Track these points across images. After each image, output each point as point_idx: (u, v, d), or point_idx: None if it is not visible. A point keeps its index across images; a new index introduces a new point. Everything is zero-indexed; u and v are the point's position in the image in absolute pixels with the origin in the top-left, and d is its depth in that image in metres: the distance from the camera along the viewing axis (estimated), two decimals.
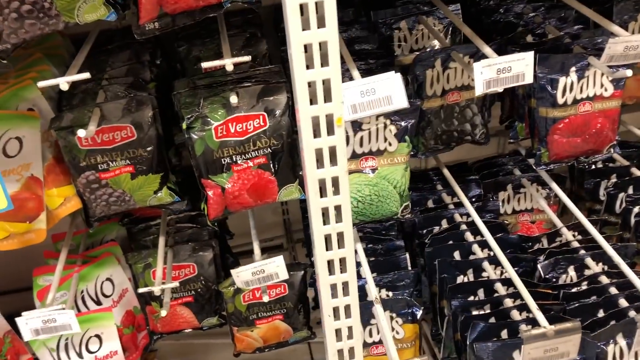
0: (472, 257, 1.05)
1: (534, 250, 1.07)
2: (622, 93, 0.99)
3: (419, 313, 0.98)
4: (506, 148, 1.39)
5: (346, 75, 0.93)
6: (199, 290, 1.15)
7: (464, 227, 1.11)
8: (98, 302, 1.11)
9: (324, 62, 0.60)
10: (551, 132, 1.00)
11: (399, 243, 1.09)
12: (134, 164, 0.91)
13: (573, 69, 0.96)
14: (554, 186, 1.13)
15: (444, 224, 1.14)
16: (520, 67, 0.83)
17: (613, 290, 0.95)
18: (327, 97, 0.61)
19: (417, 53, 1.00)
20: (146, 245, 1.18)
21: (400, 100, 0.80)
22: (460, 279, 1.03)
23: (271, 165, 0.88)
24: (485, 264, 1.02)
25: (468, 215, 1.13)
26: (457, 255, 1.06)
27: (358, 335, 0.76)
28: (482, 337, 0.89)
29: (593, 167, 1.25)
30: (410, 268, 1.04)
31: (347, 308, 0.74)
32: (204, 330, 1.20)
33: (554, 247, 1.07)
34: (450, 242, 1.08)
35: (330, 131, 0.62)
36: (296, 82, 0.58)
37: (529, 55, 0.82)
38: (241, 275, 0.92)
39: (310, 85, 0.58)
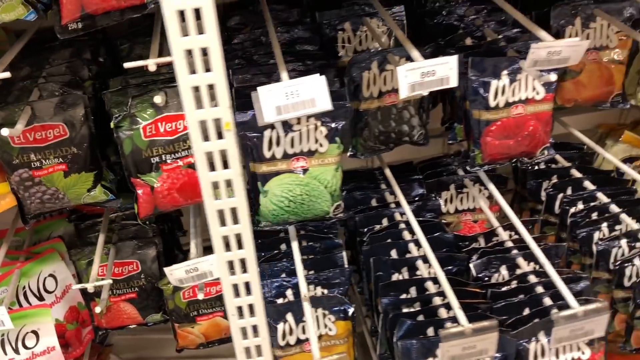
0: (408, 256, 1.07)
1: (470, 250, 1.09)
2: (554, 96, 1.01)
3: (351, 310, 1.00)
4: (452, 148, 1.41)
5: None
6: (142, 286, 1.16)
7: (402, 225, 1.12)
8: (40, 298, 1.12)
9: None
10: (484, 134, 1.01)
11: (337, 241, 1.10)
12: (67, 162, 0.92)
13: (505, 72, 0.98)
14: (491, 187, 1.15)
15: (385, 222, 1.15)
16: (444, 70, 0.85)
17: (539, 289, 0.97)
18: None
19: (354, 55, 1.02)
20: (91, 242, 1.19)
21: (324, 102, 0.82)
22: (395, 277, 1.05)
23: None
24: (419, 263, 1.04)
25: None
26: (394, 253, 1.08)
27: (264, 334, 0.77)
28: (408, 334, 0.91)
29: (536, 168, 1.27)
30: (347, 266, 1.06)
31: (251, 307, 0.76)
32: (148, 326, 1.21)
33: (489, 246, 1.09)
34: (389, 240, 1.10)
35: (221, 135, 0.63)
36: (181, 87, 0.59)
37: (453, 59, 0.84)
38: (174, 273, 0.93)
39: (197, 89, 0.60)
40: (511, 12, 0.97)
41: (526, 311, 0.95)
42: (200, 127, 0.61)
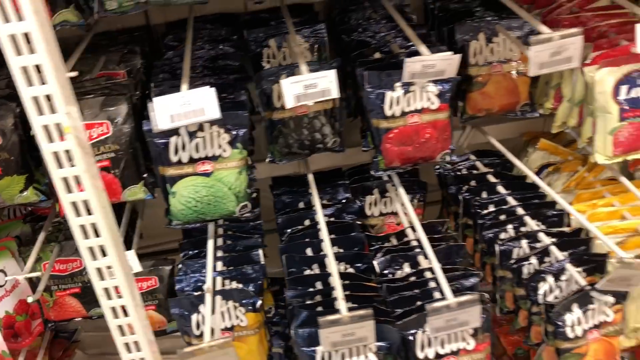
0: (322, 254, 1.15)
1: (378, 248, 1.17)
2: (448, 106, 1.09)
3: (259, 302, 1.08)
4: None
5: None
6: (86, 282, 1.26)
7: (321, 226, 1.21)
8: None
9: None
10: (384, 141, 1.10)
11: (257, 241, 1.19)
12: (1, 166, 1.03)
13: (398, 84, 1.06)
14: (400, 191, 1.23)
15: (307, 223, 1.24)
16: (325, 83, 0.94)
17: (432, 284, 1.05)
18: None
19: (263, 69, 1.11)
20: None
21: (212, 111, 0.92)
22: (307, 273, 1.13)
23: (115, 168, 1.00)
24: (328, 260, 1.12)
25: (329, 216, 1.24)
26: (309, 251, 1.16)
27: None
28: (303, 324, 1.00)
29: (457, 173, 1.35)
30: (262, 262, 1.15)
31: (124, 308, 0.87)
32: (93, 319, 1.32)
33: (395, 245, 1.17)
34: (307, 239, 1.18)
35: (63, 137, 0.74)
36: (22, 98, 0.71)
37: (331, 73, 0.93)
38: None
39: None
40: (403, 27, 1.06)
41: (418, 304, 1.03)
42: (44, 130, 0.73)
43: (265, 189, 1.35)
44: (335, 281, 1.01)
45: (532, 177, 1.19)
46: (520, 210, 1.21)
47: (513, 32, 1.16)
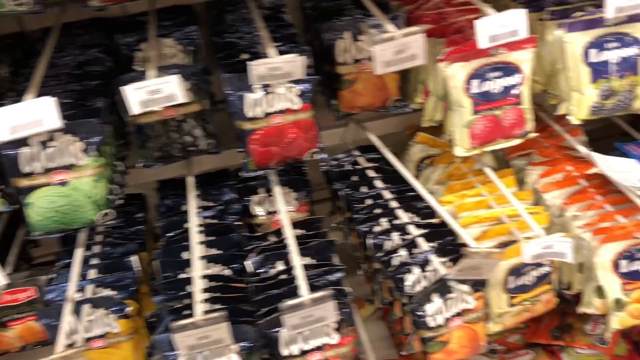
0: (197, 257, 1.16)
1: (254, 248, 1.18)
2: (311, 106, 1.11)
3: (128, 309, 1.08)
4: None
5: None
6: None
7: (201, 229, 1.22)
8: None
9: None
10: (249, 142, 1.11)
11: (132, 247, 1.19)
12: None
13: (257, 85, 1.07)
14: (276, 189, 1.24)
15: (186, 226, 1.24)
16: (170, 88, 0.94)
17: (299, 282, 1.07)
18: None
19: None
20: None
21: (52, 121, 0.91)
22: (182, 277, 1.14)
23: None
24: (201, 263, 1.13)
25: (211, 217, 1.25)
26: (185, 255, 1.17)
27: None
28: (167, 329, 1.00)
29: (340, 170, 1.37)
30: (135, 269, 1.15)
31: None
32: None
33: (270, 244, 1.18)
34: (184, 243, 1.18)
35: None
36: None
37: (174, 79, 0.94)
38: None
39: None
40: (260, 28, 1.07)
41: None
42: None
43: None
44: (195, 284, 1.01)
45: (401, 171, 1.22)
46: (394, 204, 1.24)
47: (377, 30, 1.18)
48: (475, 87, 1.08)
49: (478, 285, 1.09)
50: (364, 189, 1.30)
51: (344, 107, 1.25)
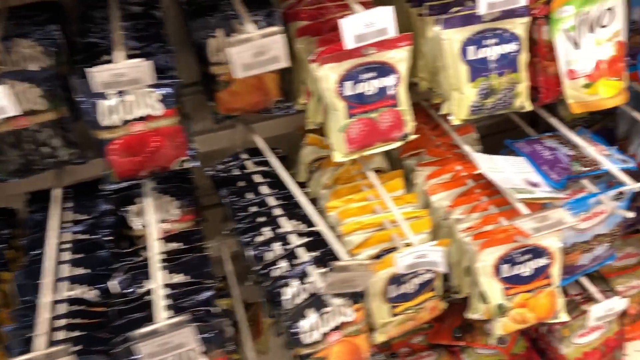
0: (59, 277, 1.07)
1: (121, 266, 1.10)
2: (174, 111, 1.03)
3: None
4: None
5: None
6: None
7: (67, 246, 1.12)
8: None
9: None
10: (108, 152, 1.02)
11: None
12: None
13: (112, 91, 0.98)
14: (148, 201, 1.16)
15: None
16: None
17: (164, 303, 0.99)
18: None
19: None
20: None
21: None
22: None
23: None
24: (64, 284, 1.04)
25: (81, 232, 1.16)
26: None
27: None
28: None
29: (226, 175, 1.29)
30: None
31: None
32: None
33: (136, 262, 1.10)
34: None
35: None
36: None
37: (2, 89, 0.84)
38: None
39: None
40: (114, 28, 0.98)
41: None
42: None
43: None
44: (41, 312, 0.93)
45: (283, 176, 1.15)
46: (278, 211, 1.17)
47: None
48: (349, 89, 1.02)
49: (356, 297, 1.04)
50: (249, 196, 1.24)
51: (222, 109, 1.17)
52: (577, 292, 1.33)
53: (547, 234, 0.99)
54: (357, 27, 0.93)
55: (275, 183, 1.24)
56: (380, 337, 1.12)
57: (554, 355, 1.35)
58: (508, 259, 1.07)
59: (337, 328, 1.03)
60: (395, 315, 1.09)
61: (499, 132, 1.51)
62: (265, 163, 1.30)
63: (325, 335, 1.02)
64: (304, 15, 1.13)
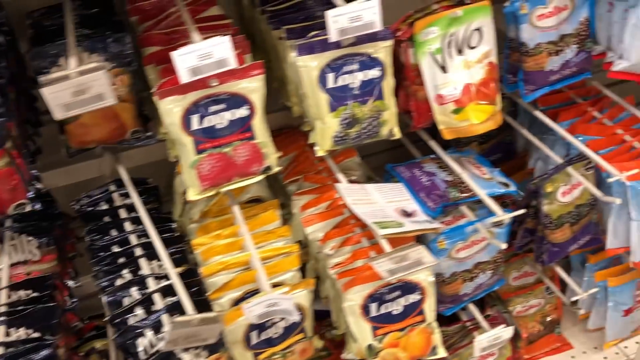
0: None
1: None
2: (4, 152, 0.93)
3: None
4: None
5: None
6: None
7: None
8: None
9: None
10: None
11: None
12: None
13: None
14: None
15: None
16: None
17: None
18: None
19: None
20: None
21: None
22: None
23: None
24: None
25: None
26: None
27: None
28: None
29: (93, 209, 1.20)
30: None
31: None
32: None
33: None
34: None
35: None
36: None
37: None
38: None
39: None
40: None
41: None
42: None
43: None
44: None
45: (140, 211, 1.07)
46: (138, 251, 1.09)
47: (98, 54, 1.02)
48: (196, 123, 0.94)
49: (212, 347, 0.97)
50: (113, 233, 1.15)
51: (74, 142, 1.08)
52: (468, 317, 1.29)
53: (403, 276, 0.93)
54: (191, 59, 0.85)
55: (139, 218, 1.16)
56: None
57: None
58: (376, 297, 1.01)
59: None
60: None
61: (400, 146, 1.45)
62: (141, 192, 1.22)
63: None
64: (155, 40, 1.04)
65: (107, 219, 1.18)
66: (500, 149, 1.49)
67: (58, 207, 1.24)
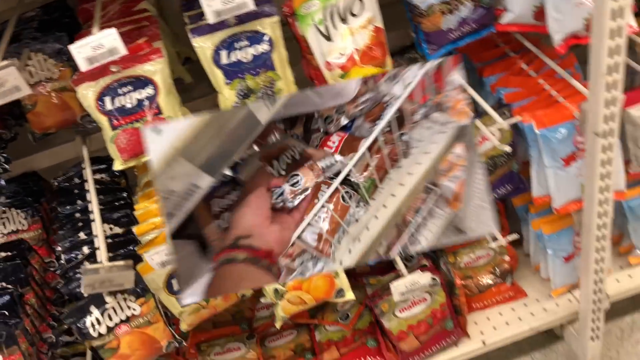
0: None
1: None
2: None
3: None
4: None
5: None
6: None
7: None
8: None
9: None
10: None
11: None
12: None
13: None
14: None
15: None
16: None
17: None
18: None
19: None
20: None
21: None
22: None
23: None
24: None
25: None
26: None
27: None
28: None
29: (68, 184, 1.41)
30: None
31: None
32: None
33: None
34: None
35: None
36: None
37: None
38: None
39: None
40: None
41: None
42: None
43: None
44: None
45: (91, 186, 1.26)
46: (95, 216, 1.28)
47: (42, 52, 1.21)
48: (109, 104, 1.11)
49: (139, 293, 1.14)
50: (79, 202, 1.36)
51: (36, 128, 1.29)
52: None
53: None
54: (86, 50, 1.02)
55: (102, 190, 1.35)
56: (183, 325, 1.22)
57: (383, 329, 1.40)
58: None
59: (125, 320, 1.14)
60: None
61: None
62: (97, 172, 1.42)
63: (111, 328, 1.14)
64: (85, 35, 1.21)
65: (76, 191, 1.39)
66: None
67: (42, 185, 1.47)
